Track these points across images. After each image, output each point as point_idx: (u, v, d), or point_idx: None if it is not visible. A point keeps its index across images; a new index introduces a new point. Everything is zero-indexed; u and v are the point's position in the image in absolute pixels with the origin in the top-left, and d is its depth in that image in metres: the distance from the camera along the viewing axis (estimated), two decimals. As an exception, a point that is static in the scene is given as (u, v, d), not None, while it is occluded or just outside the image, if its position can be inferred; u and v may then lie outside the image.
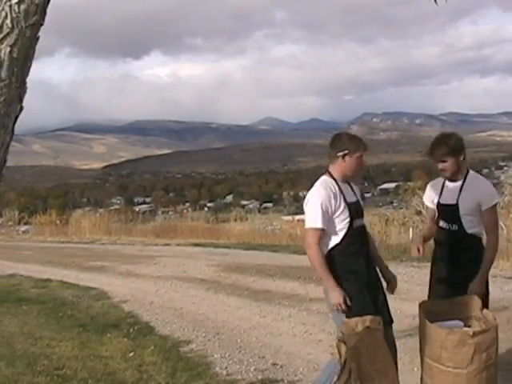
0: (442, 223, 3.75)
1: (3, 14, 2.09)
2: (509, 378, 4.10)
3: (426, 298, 3.93)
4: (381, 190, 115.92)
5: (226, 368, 4.75)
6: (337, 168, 3.50)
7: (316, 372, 4.46)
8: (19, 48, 2.12)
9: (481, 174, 3.94)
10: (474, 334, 3.21)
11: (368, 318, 3.52)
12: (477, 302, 3.63)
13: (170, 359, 4.91)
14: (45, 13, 2.19)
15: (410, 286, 7.52)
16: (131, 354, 4.98)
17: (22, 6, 2.10)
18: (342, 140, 3.51)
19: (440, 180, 3.83)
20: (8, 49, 2.10)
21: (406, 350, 4.76)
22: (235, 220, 18.36)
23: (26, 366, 4.80)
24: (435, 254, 3.88)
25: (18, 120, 2.24)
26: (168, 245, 14.00)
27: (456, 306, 3.64)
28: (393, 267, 9.50)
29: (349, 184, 3.59)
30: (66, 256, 12.82)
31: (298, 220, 24.98)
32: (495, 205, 3.66)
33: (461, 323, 3.54)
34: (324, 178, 3.54)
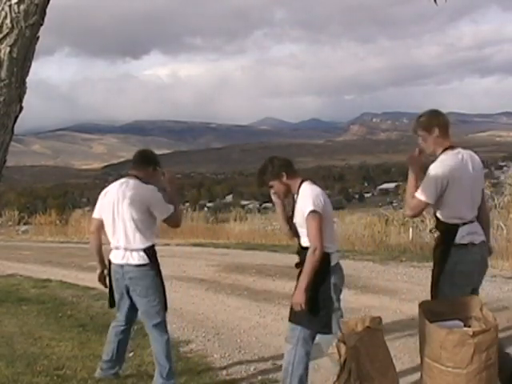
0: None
1: (3, 13, 2.09)
2: (509, 377, 4.10)
3: (425, 298, 3.93)
4: (380, 190, 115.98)
5: (226, 368, 4.75)
6: None
7: (316, 372, 4.46)
8: (19, 48, 2.11)
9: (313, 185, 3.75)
10: (474, 334, 3.21)
11: (368, 317, 3.52)
12: (477, 302, 3.63)
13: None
14: (44, 13, 2.19)
15: (410, 286, 7.53)
16: (131, 354, 4.98)
17: (22, 6, 2.10)
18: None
19: None
20: (8, 49, 2.09)
21: (406, 350, 4.76)
22: (235, 220, 18.34)
23: (26, 366, 4.79)
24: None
25: (18, 120, 2.24)
26: (168, 245, 13.99)
27: (456, 305, 3.64)
28: (392, 267, 9.57)
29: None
30: (65, 256, 12.82)
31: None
32: (311, 213, 3.54)
33: (461, 323, 3.54)
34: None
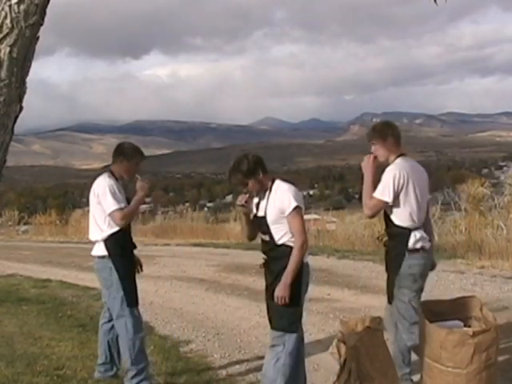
0: (261, 235, 3.84)
1: (3, 13, 2.09)
2: (509, 377, 4.10)
3: (425, 298, 3.93)
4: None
5: (226, 368, 4.75)
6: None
7: (316, 372, 4.46)
8: (19, 48, 2.12)
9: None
10: (474, 334, 3.21)
11: (368, 317, 3.52)
12: (477, 302, 3.63)
13: (170, 359, 4.90)
14: (44, 13, 2.19)
15: (410, 286, 7.53)
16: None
17: (22, 6, 2.10)
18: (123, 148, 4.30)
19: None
20: (8, 49, 2.09)
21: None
22: (235, 220, 18.30)
23: (26, 366, 4.79)
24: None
25: (18, 120, 2.24)
26: (168, 245, 13.99)
27: (456, 306, 3.65)
28: (392, 267, 9.50)
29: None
30: (65, 256, 12.81)
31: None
32: (296, 208, 3.57)
33: (461, 323, 3.54)
34: None
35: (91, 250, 4.29)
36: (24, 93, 2.22)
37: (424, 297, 3.96)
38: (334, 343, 3.65)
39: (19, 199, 59.14)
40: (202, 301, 7.32)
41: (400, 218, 3.83)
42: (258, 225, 3.78)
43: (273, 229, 3.66)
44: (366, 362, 3.36)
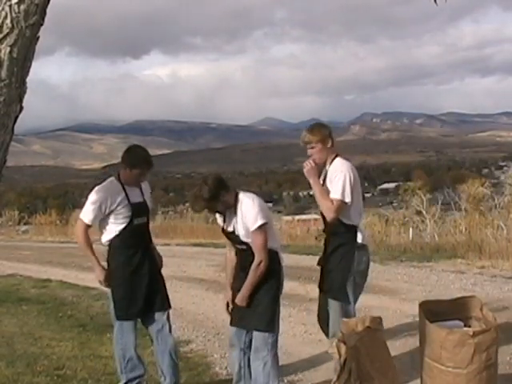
0: (236, 245, 3.88)
1: (3, 13, 2.09)
2: (509, 378, 4.10)
3: (425, 298, 3.94)
4: (381, 189, 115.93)
5: (226, 368, 4.75)
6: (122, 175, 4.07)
7: (316, 372, 4.46)
8: (19, 48, 2.11)
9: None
10: (474, 334, 3.21)
11: (368, 317, 3.52)
12: (477, 302, 3.63)
13: (170, 359, 4.90)
14: (45, 13, 2.19)
15: (410, 286, 7.53)
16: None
17: (22, 6, 2.10)
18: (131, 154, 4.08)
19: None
20: (8, 49, 2.09)
21: (406, 350, 4.76)
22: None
23: (26, 365, 4.79)
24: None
25: (18, 120, 2.24)
26: (168, 245, 13.98)
27: (456, 306, 3.65)
28: (392, 267, 9.56)
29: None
30: (65, 256, 12.81)
31: (298, 220, 25.01)
32: (259, 227, 3.60)
33: (461, 323, 3.54)
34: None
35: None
36: (24, 93, 2.22)
37: (424, 297, 3.97)
38: (334, 343, 3.65)
39: (19, 199, 59.15)
40: (202, 301, 7.32)
41: (348, 215, 3.85)
42: (230, 238, 3.84)
43: (247, 241, 3.71)
44: (367, 362, 3.36)
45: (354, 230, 3.88)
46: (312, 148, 3.92)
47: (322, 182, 3.94)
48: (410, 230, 13.68)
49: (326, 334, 4.08)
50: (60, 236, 19.40)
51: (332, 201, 3.80)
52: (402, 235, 13.67)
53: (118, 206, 3.97)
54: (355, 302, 3.93)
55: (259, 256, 3.62)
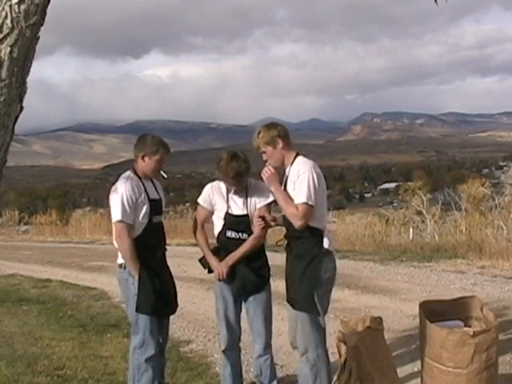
0: (232, 233, 3.92)
1: (3, 13, 2.09)
2: (509, 378, 4.10)
3: (426, 298, 3.93)
4: (381, 189, 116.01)
5: (226, 368, 4.74)
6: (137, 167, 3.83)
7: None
8: (19, 48, 2.12)
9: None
10: (475, 334, 3.21)
11: (368, 317, 3.52)
12: (477, 302, 3.63)
13: (170, 359, 4.89)
14: (45, 13, 2.19)
15: (410, 286, 7.52)
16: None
17: (22, 6, 2.10)
18: (145, 142, 3.81)
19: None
20: (8, 49, 2.09)
21: (406, 349, 4.76)
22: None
23: (26, 365, 4.79)
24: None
25: (19, 120, 2.24)
26: (168, 245, 13.96)
27: (456, 305, 3.65)
28: (393, 267, 9.55)
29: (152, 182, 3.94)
30: (66, 256, 12.81)
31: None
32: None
33: (461, 323, 3.54)
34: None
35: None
36: (24, 93, 2.22)
37: (424, 297, 3.96)
38: (334, 343, 3.65)
39: (20, 199, 59.07)
40: (203, 301, 7.31)
41: (313, 218, 3.50)
42: (233, 223, 3.87)
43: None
44: (367, 362, 3.36)
45: (319, 234, 3.52)
46: (264, 153, 3.67)
47: (283, 185, 3.64)
48: (411, 230, 13.69)
49: (297, 349, 3.70)
50: (60, 236, 19.40)
51: (297, 207, 3.47)
52: (402, 235, 13.66)
53: (139, 201, 3.72)
54: (325, 312, 3.55)
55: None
